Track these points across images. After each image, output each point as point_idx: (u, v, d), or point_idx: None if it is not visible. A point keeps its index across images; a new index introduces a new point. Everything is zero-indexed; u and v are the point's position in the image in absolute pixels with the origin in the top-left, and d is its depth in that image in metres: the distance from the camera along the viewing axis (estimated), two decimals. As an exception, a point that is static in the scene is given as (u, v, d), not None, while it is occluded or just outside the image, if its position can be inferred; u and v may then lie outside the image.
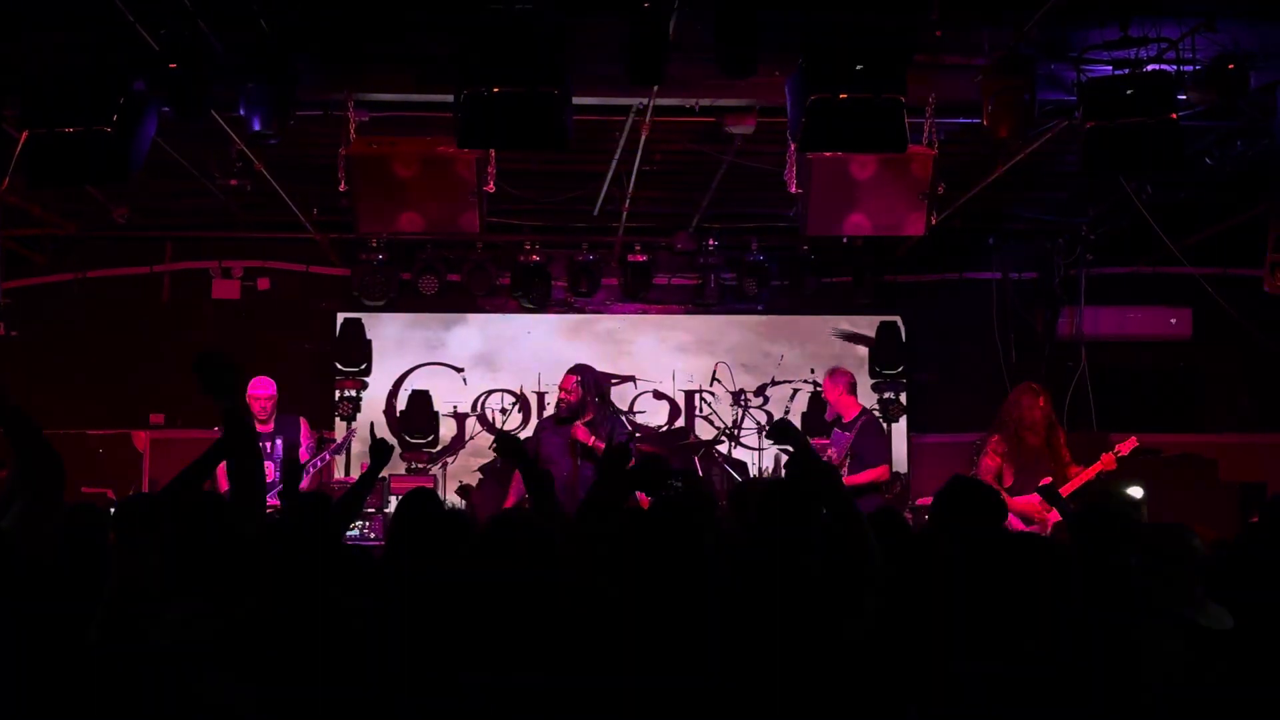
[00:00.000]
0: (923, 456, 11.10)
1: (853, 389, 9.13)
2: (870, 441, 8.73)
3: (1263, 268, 8.93)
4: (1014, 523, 8.16)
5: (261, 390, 8.81)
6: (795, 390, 11.32)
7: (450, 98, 6.41)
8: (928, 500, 8.38)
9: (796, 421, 10.97)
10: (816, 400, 11.18)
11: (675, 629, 3.37)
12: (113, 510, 4.38)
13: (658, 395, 11.34)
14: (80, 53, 6.48)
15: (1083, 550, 4.44)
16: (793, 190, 8.05)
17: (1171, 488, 9.15)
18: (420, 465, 10.73)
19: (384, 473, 9.99)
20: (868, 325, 11.31)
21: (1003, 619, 3.80)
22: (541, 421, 9.85)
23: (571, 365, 9.34)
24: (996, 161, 8.52)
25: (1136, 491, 9.05)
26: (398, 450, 10.53)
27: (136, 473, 10.55)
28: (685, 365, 11.37)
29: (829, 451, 8.66)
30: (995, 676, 3.64)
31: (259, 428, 8.44)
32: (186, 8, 6.25)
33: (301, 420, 9.07)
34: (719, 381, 11.13)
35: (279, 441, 8.71)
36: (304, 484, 8.36)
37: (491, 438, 10.91)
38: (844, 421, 8.87)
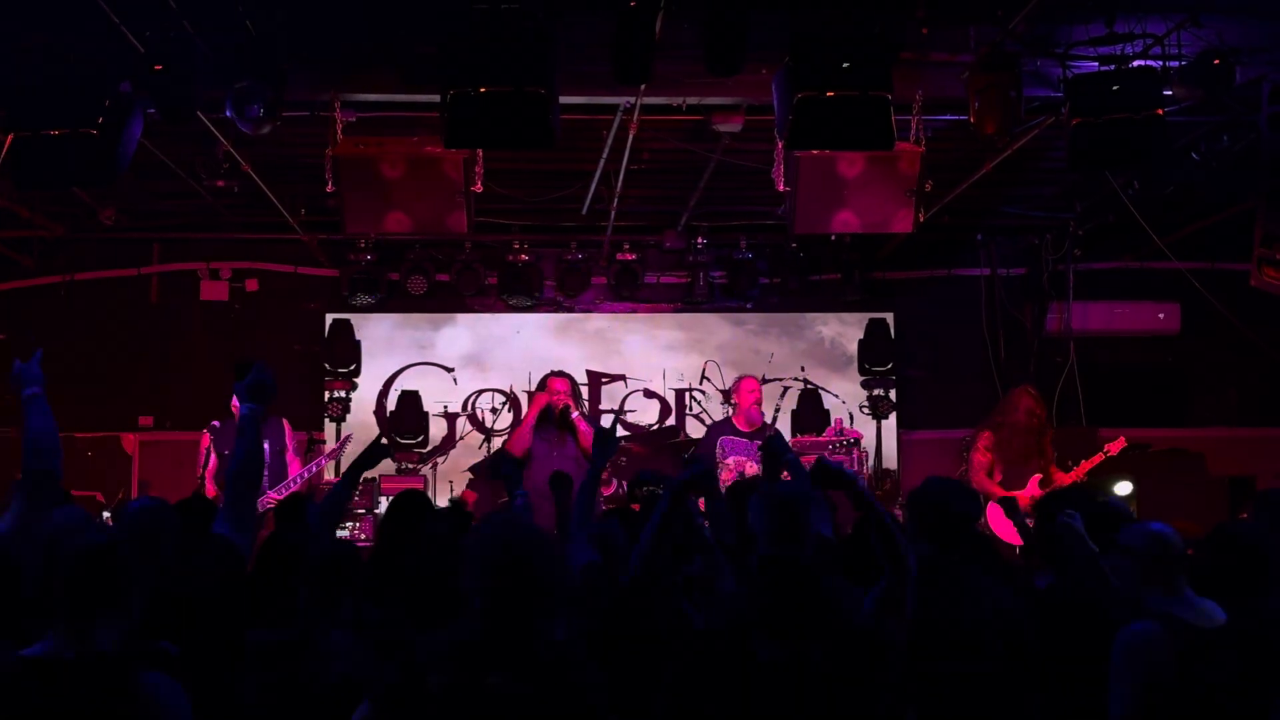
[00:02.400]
0: (912, 453, 11.11)
1: None
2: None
3: (1250, 262, 8.95)
4: (1001, 518, 8.20)
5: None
6: (785, 388, 11.32)
7: (436, 98, 6.40)
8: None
9: (787, 419, 11.00)
10: (807, 397, 11.21)
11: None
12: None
13: (648, 394, 11.34)
14: (66, 55, 6.45)
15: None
16: (781, 188, 8.06)
17: (1160, 482, 9.20)
18: (411, 466, 10.73)
19: (374, 473, 10.06)
20: (857, 322, 11.33)
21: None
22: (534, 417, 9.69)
23: (553, 370, 9.27)
24: (984, 158, 8.53)
25: (1124, 487, 9.11)
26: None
27: (126, 475, 10.54)
28: (675, 364, 11.37)
29: (747, 466, 8.54)
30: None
31: None
32: (172, 9, 6.23)
33: (284, 422, 8.86)
34: (709, 380, 11.16)
35: (265, 446, 8.50)
36: (298, 488, 8.30)
37: (482, 437, 10.93)
38: (751, 430, 8.79)
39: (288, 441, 8.74)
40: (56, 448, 3.89)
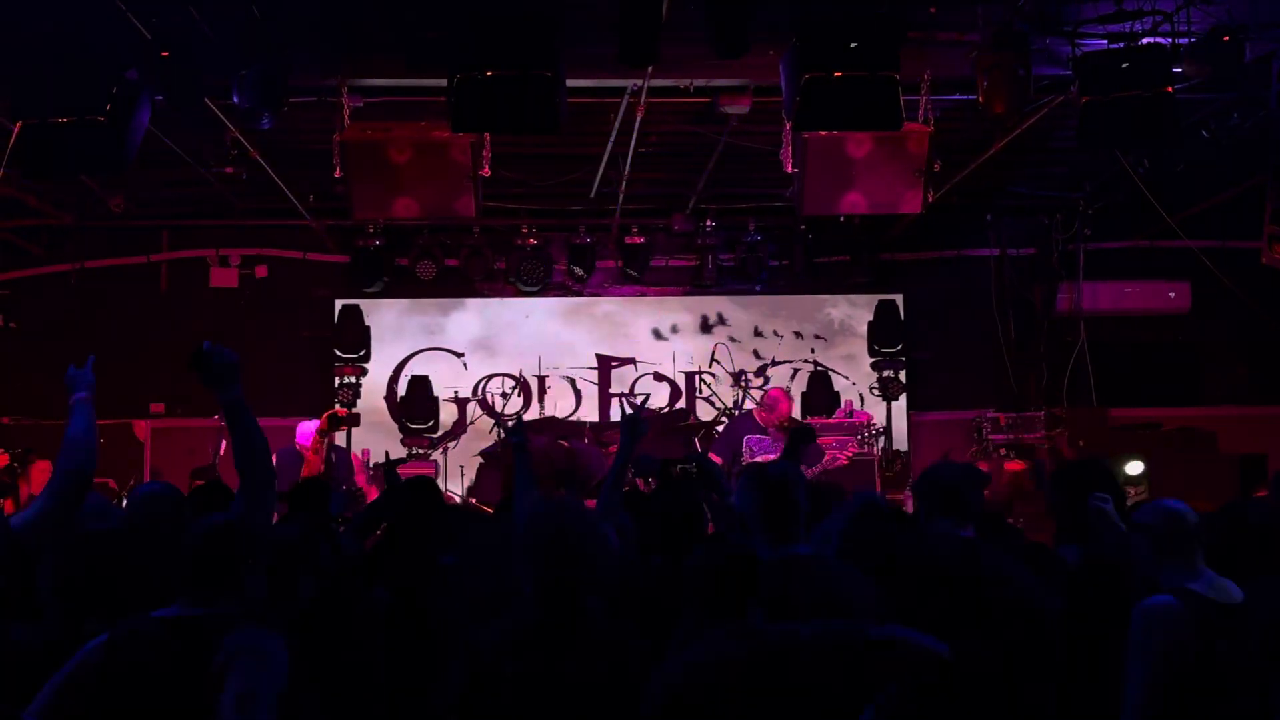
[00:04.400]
0: (922, 434, 11.11)
1: None
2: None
3: (1260, 240, 8.91)
4: None
5: (304, 440, 8.18)
6: (795, 370, 11.32)
7: (444, 82, 6.39)
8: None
9: (798, 401, 11.01)
10: (817, 379, 11.21)
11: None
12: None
13: (658, 377, 11.35)
14: (73, 43, 6.45)
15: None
16: (788, 170, 8.04)
17: (1171, 460, 9.16)
18: (421, 451, 10.74)
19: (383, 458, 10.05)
20: (866, 304, 11.32)
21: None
22: None
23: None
24: (993, 138, 8.50)
25: (1136, 466, 9.09)
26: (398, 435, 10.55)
27: (138, 462, 10.56)
28: (684, 347, 11.37)
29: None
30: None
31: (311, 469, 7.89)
32: (178, -5, 6.24)
33: (353, 456, 8.77)
34: (718, 363, 11.15)
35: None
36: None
37: (492, 422, 10.94)
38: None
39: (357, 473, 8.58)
40: (91, 451, 4.01)
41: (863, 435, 9.24)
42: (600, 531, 3.32)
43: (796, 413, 10.18)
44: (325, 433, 7.74)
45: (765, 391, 9.13)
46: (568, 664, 3.10)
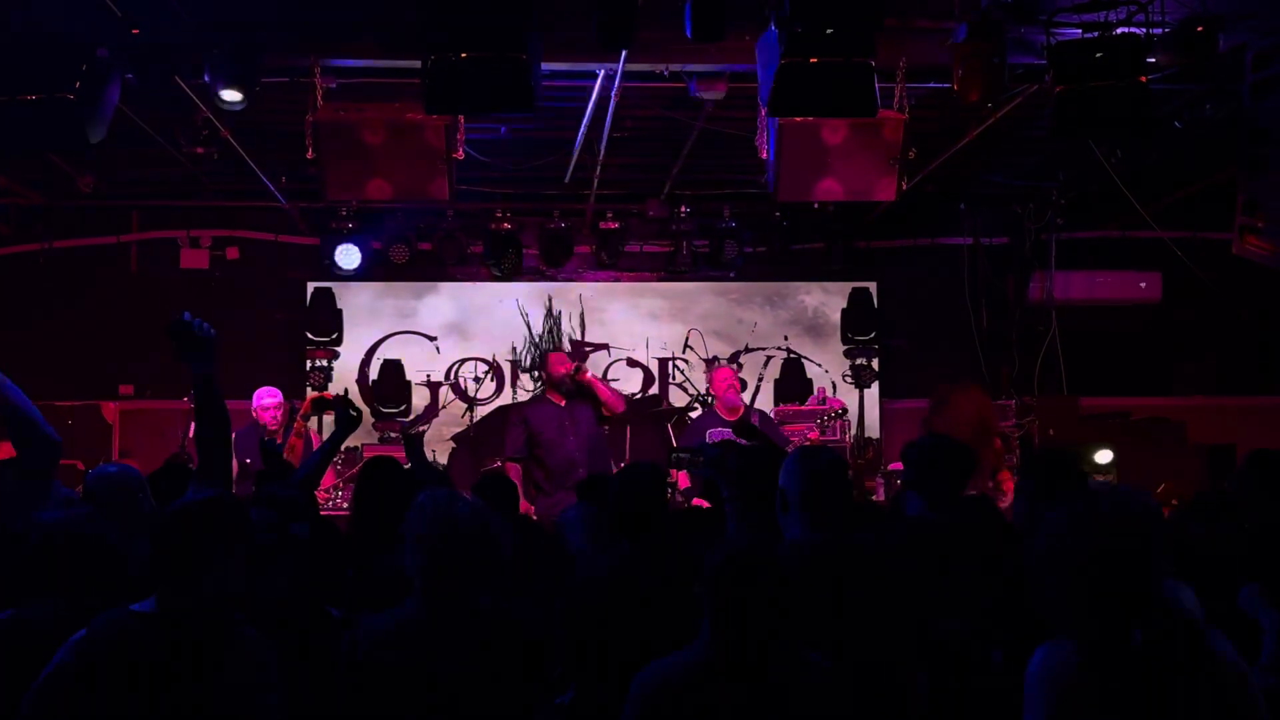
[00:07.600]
0: (894, 422, 11.14)
1: None
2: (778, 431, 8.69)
3: (1232, 231, 8.95)
4: None
5: (270, 398, 8.38)
6: (768, 357, 11.33)
7: (418, 63, 6.35)
8: (900, 465, 8.36)
9: (770, 389, 11.05)
10: (790, 366, 11.23)
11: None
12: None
13: (631, 363, 11.34)
14: (42, 18, 6.37)
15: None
16: (763, 156, 8.02)
17: (1141, 450, 9.23)
18: (393, 435, 10.70)
19: (356, 442, 10.01)
20: (840, 291, 11.34)
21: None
22: (520, 408, 9.32)
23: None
24: (967, 126, 8.52)
25: (1105, 455, 9.13)
26: (369, 419, 10.50)
27: (106, 444, 10.48)
28: (658, 333, 11.37)
29: None
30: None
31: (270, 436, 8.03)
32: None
33: (314, 437, 8.80)
34: (692, 349, 11.14)
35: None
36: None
37: (465, 406, 10.91)
38: (735, 419, 8.20)
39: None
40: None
41: (823, 420, 9.31)
42: (495, 528, 3.27)
43: (767, 403, 10.19)
44: (308, 416, 7.72)
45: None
46: (448, 662, 3.07)
